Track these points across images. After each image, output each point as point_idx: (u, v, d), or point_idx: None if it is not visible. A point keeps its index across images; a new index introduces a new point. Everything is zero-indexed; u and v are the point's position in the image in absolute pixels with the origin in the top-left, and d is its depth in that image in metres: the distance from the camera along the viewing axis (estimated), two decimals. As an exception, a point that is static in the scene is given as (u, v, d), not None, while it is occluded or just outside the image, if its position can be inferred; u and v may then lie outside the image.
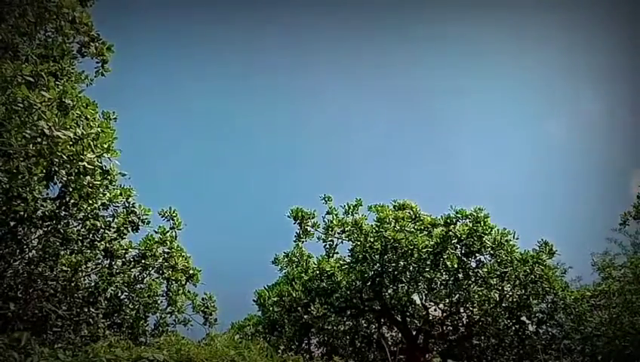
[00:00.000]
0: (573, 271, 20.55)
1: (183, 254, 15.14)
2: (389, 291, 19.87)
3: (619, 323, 18.11)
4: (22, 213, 11.95)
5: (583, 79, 32.59)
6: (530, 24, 29.98)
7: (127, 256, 14.85)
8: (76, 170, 10.67)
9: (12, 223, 12.55)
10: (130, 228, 14.37)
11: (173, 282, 15.39)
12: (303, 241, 19.82)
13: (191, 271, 15.34)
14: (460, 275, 18.97)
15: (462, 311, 20.19)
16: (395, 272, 19.15)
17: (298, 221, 19.30)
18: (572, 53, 30.71)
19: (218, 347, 8.89)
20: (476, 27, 29.62)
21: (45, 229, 13.20)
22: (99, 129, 10.52)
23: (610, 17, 28.73)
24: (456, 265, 18.68)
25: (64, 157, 9.43)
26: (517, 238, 18.78)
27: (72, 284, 13.83)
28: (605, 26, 29.17)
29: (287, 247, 22.11)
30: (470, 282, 19.01)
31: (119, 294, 14.96)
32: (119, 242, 14.50)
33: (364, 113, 33.73)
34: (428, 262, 18.68)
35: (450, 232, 18.59)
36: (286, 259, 22.14)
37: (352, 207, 19.74)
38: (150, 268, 15.04)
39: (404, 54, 31.18)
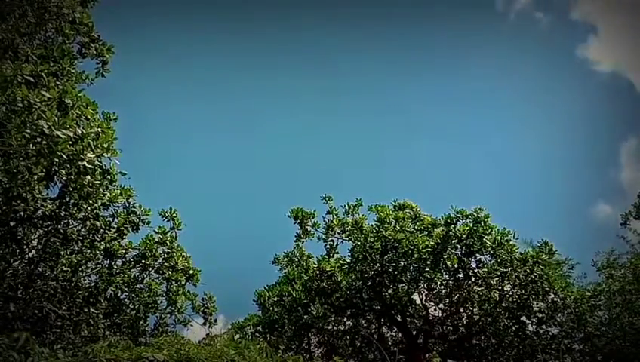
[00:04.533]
0: (580, 267, 20.54)
1: (183, 254, 15.13)
2: (389, 291, 19.85)
3: (619, 323, 18.10)
4: (22, 213, 11.92)
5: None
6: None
7: (127, 256, 14.82)
8: (76, 170, 10.65)
9: (12, 223, 12.54)
10: (130, 228, 14.36)
11: (173, 282, 15.37)
12: (303, 241, 19.83)
13: (191, 271, 15.33)
14: (460, 275, 18.96)
15: (462, 311, 20.16)
16: (395, 272, 19.14)
17: (298, 221, 19.32)
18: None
19: (218, 347, 8.87)
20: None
21: (45, 229, 13.18)
22: (99, 129, 10.51)
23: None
24: (456, 265, 18.67)
25: (64, 156, 9.42)
26: (517, 238, 18.82)
27: (72, 284, 13.80)
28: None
29: (287, 247, 22.07)
30: (470, 282, 19.00)
31: (119, 294, 14.92)
32: (119, 242, 14.46)
33: (365, 114, 33.72)
34: (428, 262, 18.65)
35: (451, 232, 18.57)
36: (286, 259, 22.13)
37: (352, 207, 19.71)
38: (150, 268, 15.03)
39: (410, 58, 31.33)
